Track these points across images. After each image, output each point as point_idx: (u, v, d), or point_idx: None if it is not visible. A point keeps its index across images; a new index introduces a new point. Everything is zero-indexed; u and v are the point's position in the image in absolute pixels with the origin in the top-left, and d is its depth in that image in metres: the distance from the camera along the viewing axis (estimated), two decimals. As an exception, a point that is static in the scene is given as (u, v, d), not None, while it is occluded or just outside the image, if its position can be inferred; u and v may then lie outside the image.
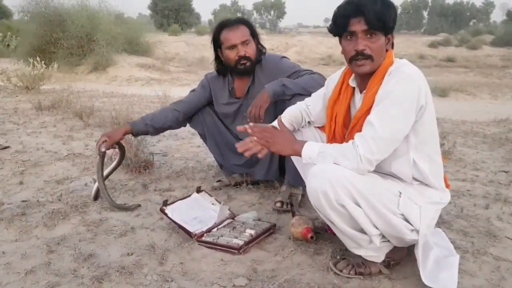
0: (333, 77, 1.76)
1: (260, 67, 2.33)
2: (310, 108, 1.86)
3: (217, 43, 2.32)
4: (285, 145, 1.61)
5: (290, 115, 1.86)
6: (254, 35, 2.31)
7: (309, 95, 1.93)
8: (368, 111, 1.50)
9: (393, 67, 1.51)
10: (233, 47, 2.25)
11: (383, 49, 1.51)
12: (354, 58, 1.51)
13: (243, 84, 2.38)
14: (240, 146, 1.67)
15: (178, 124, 2.49)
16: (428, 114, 1.50)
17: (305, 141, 1.59)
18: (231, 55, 2.27)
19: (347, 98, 1.65)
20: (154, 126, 2.41)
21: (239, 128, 1.71)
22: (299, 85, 2.16)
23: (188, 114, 2.49)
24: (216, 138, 2.52)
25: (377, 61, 1.51)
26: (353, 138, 1.49)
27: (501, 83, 13.50)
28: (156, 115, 2.45)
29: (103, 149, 2.23)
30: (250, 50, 2.26)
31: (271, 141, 1.62)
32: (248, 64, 2.26)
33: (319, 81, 2.16)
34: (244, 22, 2.31)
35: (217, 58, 2.37)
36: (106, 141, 2.23)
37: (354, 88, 1.64)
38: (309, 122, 1.89)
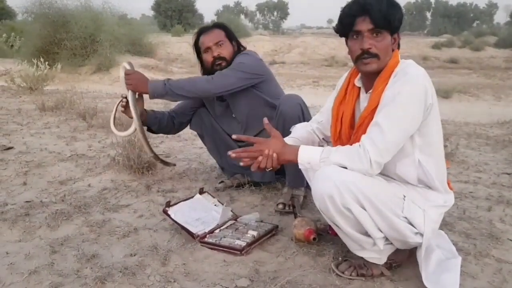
0: (340, 80, 1.75)
1: None
2: (323, 123, 1.81)
3: (197, 50, 2.41)
4: (279, 152, 1.54)
5: (297, 136, 1.80)
6: (231, 37, 2.38)
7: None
8: (374, 111, 1.49)
9: (398, 68, 1.51)
10: (207, 49, 2.33)
11: (389, 48, 1.52)
12: (360, 57, 1.51)
13: None
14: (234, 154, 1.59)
15: (172, 120, 2.52)
16: (434, 115, 1.50)
17: (298, 146, 1.55)
18: (207, 58, 2.35)
19: (353, 98, 1.65)
20: (161, 121, 2.47)
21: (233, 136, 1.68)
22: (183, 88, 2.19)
23: (179, 115, 2.54)
24: (214, 138, 2.54)
25: (383, 60, 1.51)
26: (359, 139, 1.48)
27: (505, 84, 13.44)
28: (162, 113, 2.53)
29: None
30: (224, 51, 2.32)
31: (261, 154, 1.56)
32: (223, 64, 2.32)
33: (199, 84, 2.22)
34: (219, 26, 2.40)
35: (202, 65, 2.44)
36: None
37: (359, 88, 1.64)
38: (323, 138, 1.85)
